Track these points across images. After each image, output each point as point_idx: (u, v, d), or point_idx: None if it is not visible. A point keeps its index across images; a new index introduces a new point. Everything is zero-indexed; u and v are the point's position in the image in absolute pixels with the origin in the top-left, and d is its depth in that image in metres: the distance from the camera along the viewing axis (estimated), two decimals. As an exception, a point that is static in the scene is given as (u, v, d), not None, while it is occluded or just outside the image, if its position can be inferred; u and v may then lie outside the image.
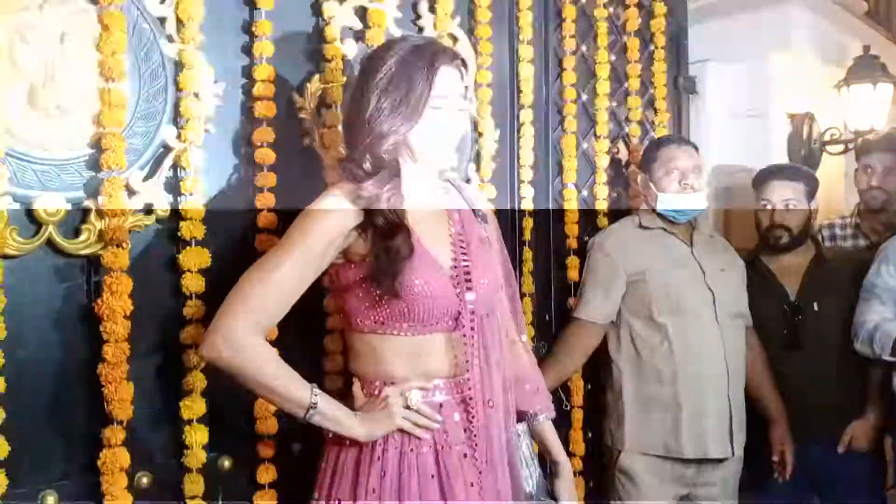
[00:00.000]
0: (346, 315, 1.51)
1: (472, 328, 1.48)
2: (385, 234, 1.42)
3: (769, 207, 2.56)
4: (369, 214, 1.42)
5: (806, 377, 2.44)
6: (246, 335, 1.37)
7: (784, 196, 2.56)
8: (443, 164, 1.54)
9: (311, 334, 1.79)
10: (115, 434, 1.48)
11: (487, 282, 1.54)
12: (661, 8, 2.86)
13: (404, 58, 1.46)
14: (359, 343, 1.50)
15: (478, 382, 1.49)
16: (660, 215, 2.43)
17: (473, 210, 1.63)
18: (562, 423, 2.42)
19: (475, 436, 1.48)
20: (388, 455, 1.43)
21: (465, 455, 1.47)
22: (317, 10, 1.84)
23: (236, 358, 1.37)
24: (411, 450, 1.44)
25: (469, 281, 1.49)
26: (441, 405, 1.48)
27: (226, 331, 1.36)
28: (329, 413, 1.42)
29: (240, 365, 1.37)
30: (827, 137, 3.43)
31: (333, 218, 1.42)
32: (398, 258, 1.41)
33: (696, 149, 2.49)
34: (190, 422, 1.60)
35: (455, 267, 1.50)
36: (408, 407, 1.44)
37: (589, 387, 2.52)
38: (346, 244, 1.45)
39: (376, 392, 1.48)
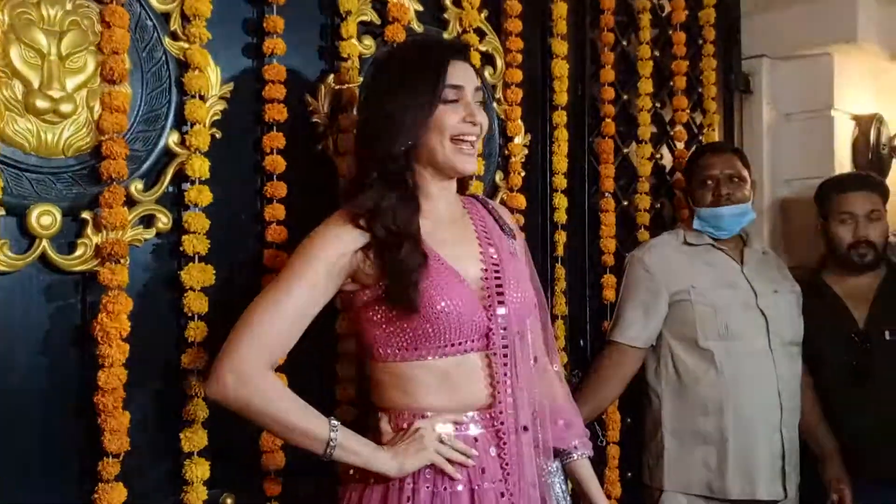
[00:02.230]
0: (367, 345, 1.56)
1: (505, 345, 1.54)
2: (391, 246, 1.48)
3: (850, 222, 2.59)
4: (372, 228, 1.49)
5: (876, 414, 2.46)
6: (256, 370, 1.43)
7: (866, 208, 2.59)
8: (466, 168, 1.59)
9: (320, 359, 1.84)
10: (109, 467, 1.52)
11: (520, 297, 1.60)
12: (710, -3, 2.91)
13: (410, 56, 1.55)
14: (383, 373, 1.55)
15: (510, 407, 1.55)
16: (707, 229, 2.48)
17: (500, 224, 1.69)
18: (597, 460, 2.47)
19: (509, 470, 1.53)
20: (419, 495, 1.48)
21: (503, 494, 1.51)
22: (332, 4, 1.90)
23: (246, 394, 1.43)
24: (445, 488, 1.49)
25: (501, 295, 1.56)
26: (476, 439, 1.53)
27: (234, 366, 1.43)
28: (351, 447, 1.47)
29: (250, 402, 1.43)
30: (897, 142, 3.44)
31: (335, 240, 1.50)
32: (410, 269, 1.47)
33: (739, 154, 2.53)
34: (190, 455, 1.64)
35: (485, 279, 1.56)
36: (441, 441, 1.49)
37: (628, 420, 2.56)
38: (352, 267, 1.52)
39: (405, 425, 1.52)
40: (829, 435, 2.51)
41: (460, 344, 1.52)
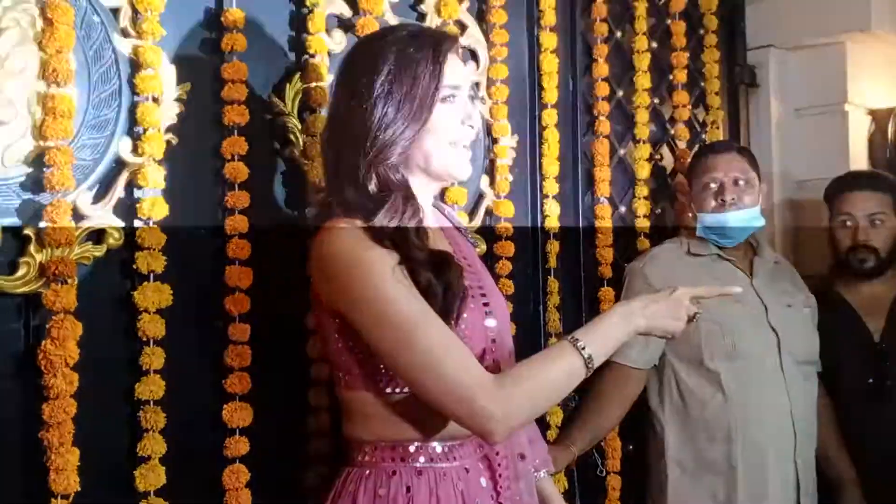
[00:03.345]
0: (368, 372, 1.51)
1: (494, 360, 1.55)
2: (436, 269, 1.46)
3: (850, 224, 2.61)
4: (401, 249, 1.45)
5: (893, 434, 2.48)
6: (493, 384, 1.39)
7: (868, 210, 2.60)
8: (462, 174, 1.60)
9: (288, 387, 1.84)
10: (59, 511, 1.51)
11: (503, 306, 1.65)
12: (712, -17, 2.94)
13: (402, 49, 1.51)
14: (376, 402, 1.51)
15: None
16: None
17: (460, 230, 1.74)
18: (596, 492, 2.48)
19: (501, 498, 1.54)
20: None
21: None
22: (298, -6, 1.91)
23: (518, 405, 1.41)
24: None
25: (486, 305, 1.58)
26: (468, 470, 1.54)
27: (483, 406, 1.38)
28: (605, 348, 1.49)
29: (519, 405, 1.41)
30: (917, 138, 3.48)
31: (386, 254, 1.43)
32: (456, 295, 1.47)
33: (745, 154, 2.55)
34: (146, 494, 1.64)
35: (472, 288, 1.57)
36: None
37: (630, 448, 2.57)
38: None
39: (388, 459, 1.52)
40: (849, 462, 2.53)
41: None
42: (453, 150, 1.56)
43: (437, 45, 1.53)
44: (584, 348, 1.44)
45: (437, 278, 1.46)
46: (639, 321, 1.53)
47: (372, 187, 1.48)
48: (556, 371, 1.44)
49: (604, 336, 1.50)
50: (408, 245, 1.45)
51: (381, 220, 1.46)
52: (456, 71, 1.55)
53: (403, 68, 1.49)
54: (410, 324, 1.40)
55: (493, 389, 1.38)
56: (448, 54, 1.54)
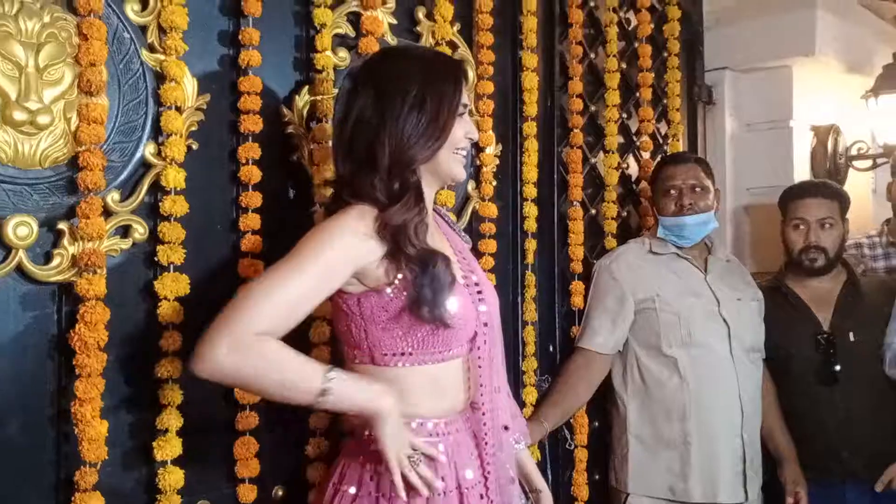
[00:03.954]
0: (367, 349, 1.53)
1: (485, 342, 1.59)
2: (424, 263, 1.48)
3: (802, 227, 2.62)
4: (397, 244, 1.47)
5: (842, 414, 2.51)
6: (251, 334, 1.35)
7: (819, 215, 2.62)
8: (462, 176, 1.64)
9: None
10: (86, 477, 1.51)
11: (494, 295, 1.67)
12: (674, 12, 2.96)
13: (430, 71, 1.56)
14: (377, 378, 1.51)
15: (490, 410, 1.59)
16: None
17: (453, 228, 1.76)
18: (565, 463, 2.50)
19: (489, 469, 1.57)
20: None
21: (482, 496, 1.55)
22: (307, 17, 1.91)
23: (240, 358, 1.34)
24: (438, 494, 1.48)
25: (480, 293, 1.61)
26: (458, 443, 1.55)
27: (227, 333, 1.34)
28: (346, 385, 1.41)
29: (244, 367, 1.35)
30: (854, 152, 3.50)
31: (360, 237, 1.46)
32: (444, 287, 1.48)
33: (701, 164, 2.57)
34: (164, 463, 1.64)
35: (466, 280, 1.59)
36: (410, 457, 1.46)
37: (596, 424, 2.59)
38: (366, 270, 1.47)
39: None
40: (788, 438, 2.56)
41: (458, 347, 1.56)
42: (457, 158, 1.60)
43: (457, 69, 1.61)
44: (331, 379, 1.39)
45: (423, 272, 1.47)
46: (384, 412, 1.43)
47: (396, 188, 1.50)
48: (290, 376, 1.39)
49: (354, 388, 1.43)
50: (404, 239, 1.47)
51: (393, 214, 1.48)
52: (465, 91, 1.60)
53: (432, 86, 1.53)
54: (279, 266, 1.42)
55: (237, 338, 1.33)
56: (463, 78, 1.60)
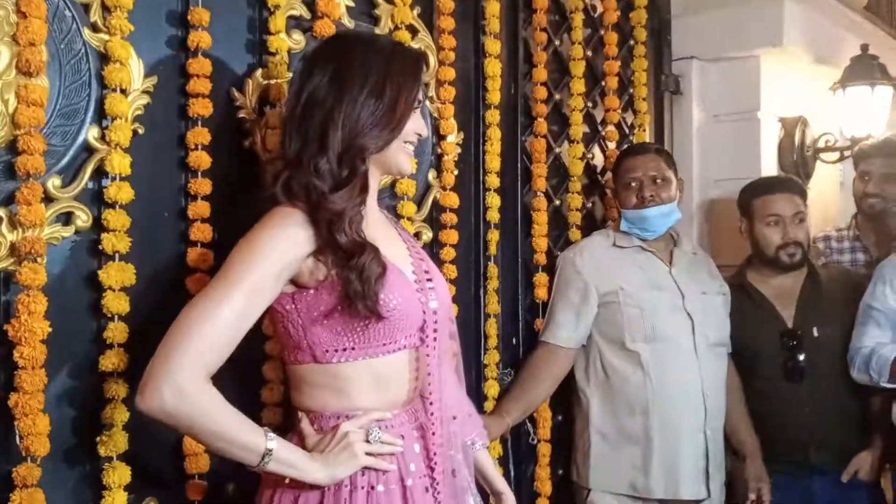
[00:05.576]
0: (307, 347, 1.51)
1: (435, 339, 1.58)
2: (351, 254, 1.45)
3: (778, 224, 2.63)
4: (331, 234, 1.45)
5: (809, 408, 2.54)
6: (195, 383, 1.35)
7: (792, 209, 2.64)
8: (409, 169, 1.63)
9: (245, 361, 1.81)
10: (30, 472, 1.48)
11: (446, 291, 1.67)
12: (641, -1, 2.95)
13: (393, 61, 1.54)
14: (319, 375, 1.52)
15: (437, 400, 1.59)
16: (636, 230, 2.52)
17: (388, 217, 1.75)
18: (528, 457, 2.50)
19: (435, 460, 1.56)
20: (356, 496, 1.47)
21: (427, 489, 1.54)
22: (260, -3, 1.87)
23: (186, 410, 1.35)
24: (379, 487, 1.49)
25: (432, 290, 1.60)
26: (403, 437, 1.54)
27: (172, 379, 1.34)
28: (286, 458, 1.44)
29: (188, 414, 1.36)
30: (821, 144, 3.53)
31: (287, 243, 1.44)
32: (373, 279, 1.45)
33: (662, 155, 2.56)
34: (109, 459, 1.61)
35: (416, 273, 1.59)
36: (367, 440, 1.49)
37: (559, 418, 2.59)
38: (299, 270, 1.47)
39: (330, 426, 1.51)
40: (752, 434, 2.58)
41: (402, 341, 1.54)
42: (407, 150, 1.60)
43: (417, 61, 1.59)
44: (272, 440, 1.41)
45: (351, 263, 1.45)
46: (318, 475, 1.46)
47: (344, 173, 1.49)
48: (231, 430, 1.40)
49: (291, 455, 1.45)
50: (338, 228, 1.45)
51: (336, 199, 1.46)
52: (422, 86, 1.59)
53: (393, 76, 1.52)
54: (213, 288, 1.41)
55: (180, 385, 1.33)
56: (423, 72, 1.59)
